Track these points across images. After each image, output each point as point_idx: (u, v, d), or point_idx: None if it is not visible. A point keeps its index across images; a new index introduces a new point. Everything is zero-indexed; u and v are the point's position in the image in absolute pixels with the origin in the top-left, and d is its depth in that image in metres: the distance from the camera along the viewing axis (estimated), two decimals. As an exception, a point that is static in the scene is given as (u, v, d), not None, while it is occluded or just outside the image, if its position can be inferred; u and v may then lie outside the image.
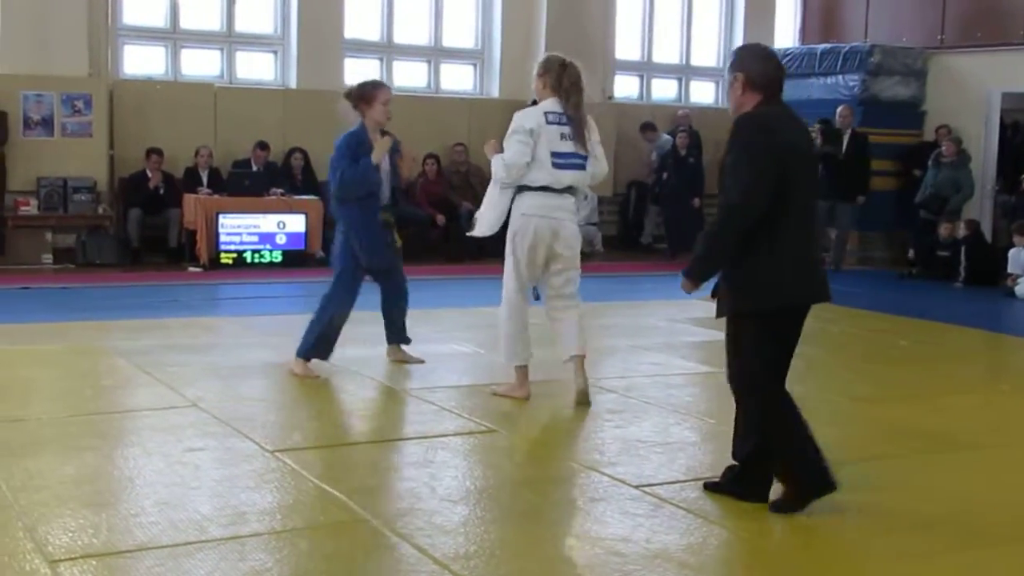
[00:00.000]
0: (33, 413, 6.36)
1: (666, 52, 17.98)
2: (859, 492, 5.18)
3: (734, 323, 4.96)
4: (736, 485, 5.08)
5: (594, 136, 6.76)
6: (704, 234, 4.92)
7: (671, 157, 15.74)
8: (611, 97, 16.93)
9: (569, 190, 6.74)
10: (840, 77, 15.89)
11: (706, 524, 4.79)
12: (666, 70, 18.00)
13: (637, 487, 5.25)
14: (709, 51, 18.33)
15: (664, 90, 18.05)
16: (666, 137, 16.44)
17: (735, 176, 4.76)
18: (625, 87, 17.62)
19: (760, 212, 4.70)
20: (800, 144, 4.92)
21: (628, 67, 17.58)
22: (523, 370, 6.93)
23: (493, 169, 6.73)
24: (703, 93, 18.34)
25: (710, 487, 5.18)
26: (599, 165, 6.78)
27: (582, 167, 6.72)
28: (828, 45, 16.47)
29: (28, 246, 13.06)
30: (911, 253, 14.57)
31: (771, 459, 4.97)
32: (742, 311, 4.88)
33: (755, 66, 4.90)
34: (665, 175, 15.73)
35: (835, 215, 14.74)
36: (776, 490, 4.99)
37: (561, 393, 6.95)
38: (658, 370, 8.03)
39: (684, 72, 18.12)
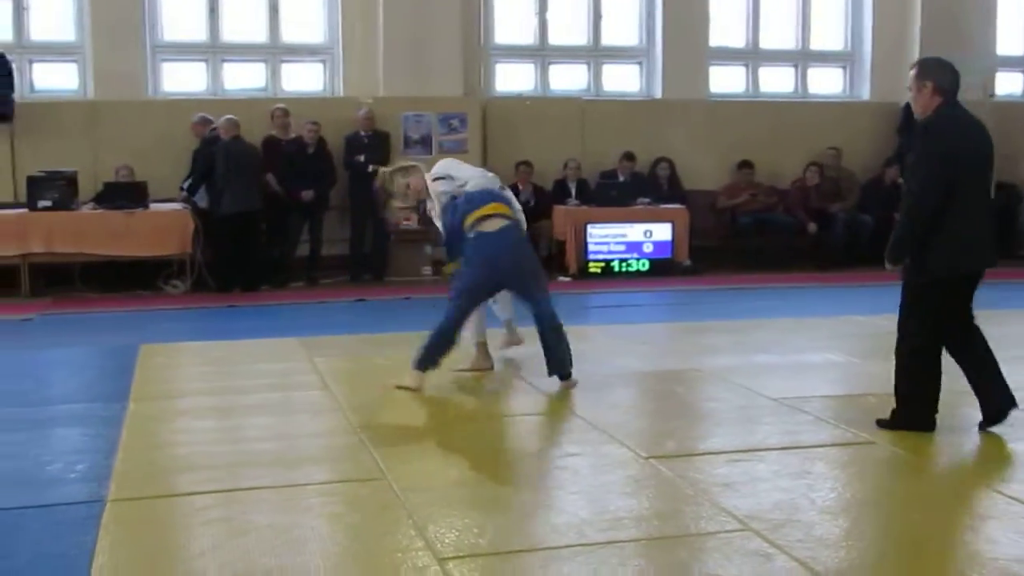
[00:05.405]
0: (417, 419, 6.67)
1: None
2: None
3: (910, 289, 5.95)
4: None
5: None
6: (897, 223, 5.99)
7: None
8: (992, 95, 16.06)
9: None
10: None
11: (1113, 547, 4.44)
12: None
13: (1033, 506, 4.93)
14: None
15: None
16: None
17: (915, 173, 5.82)
18: (1009, 84, 16.67)
19: (936, 204, 5.70)
20: (970, 144, 5.81)
21: (1013, 63, 16.62)
22: None
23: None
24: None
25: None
26: None
27: None
28: None
29: (409, 259, 13.75)
30: None
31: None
32: (916, 280, 5.87)
33: (944, 75, 5.83)
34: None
35: None
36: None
37: (949, 403, 6.63)
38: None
39: (1074, 64, 16.97)
